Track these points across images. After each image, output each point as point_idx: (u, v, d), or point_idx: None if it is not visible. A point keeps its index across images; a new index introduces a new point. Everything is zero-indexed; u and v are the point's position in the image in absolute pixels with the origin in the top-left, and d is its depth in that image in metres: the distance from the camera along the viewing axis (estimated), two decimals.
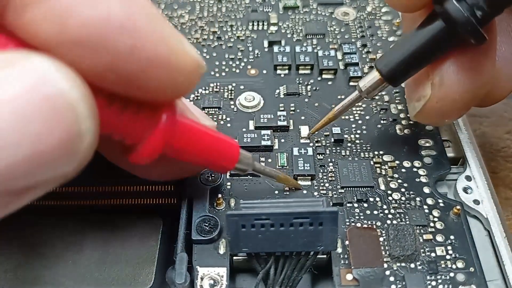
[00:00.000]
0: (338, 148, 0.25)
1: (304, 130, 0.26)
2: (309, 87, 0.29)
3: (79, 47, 0.14)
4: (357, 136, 0.26)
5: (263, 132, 0.26)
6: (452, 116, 0.23)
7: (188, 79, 0.17)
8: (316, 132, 0.26)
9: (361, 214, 0.23)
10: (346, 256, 0.21)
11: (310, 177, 0.24)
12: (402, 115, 0.27)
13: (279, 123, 0.26)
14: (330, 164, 0.25)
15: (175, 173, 0.22)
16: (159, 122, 0.17)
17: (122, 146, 0.18)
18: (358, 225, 0.22)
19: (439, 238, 0.22)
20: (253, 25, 0.33)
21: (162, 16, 0.16)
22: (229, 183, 0.24)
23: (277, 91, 0.29)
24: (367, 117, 0.27)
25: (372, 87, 0.23)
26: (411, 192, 0.23)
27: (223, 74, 0.30)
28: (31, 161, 0.13)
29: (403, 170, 0.24)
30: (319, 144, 0.26)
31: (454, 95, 0.22)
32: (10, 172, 0.13)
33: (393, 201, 0.23)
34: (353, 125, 0.27)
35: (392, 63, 0.22)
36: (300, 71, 0.30)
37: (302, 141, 0.26)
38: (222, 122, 0.27)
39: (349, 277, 0.20)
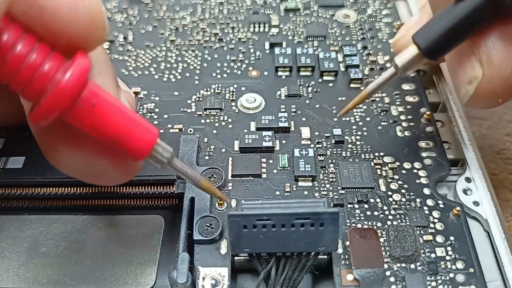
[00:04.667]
0: (339, 149, 0.26)
1: (305, 132, 0.26)
2: (310, 88, 0.29)
3: None
4: (358, 137, 0.26)
5: (264, 133, 0.26)
6: (507, 95, 0.21)
7: (88, 20, 0.17)
8: (344, 113, 0.25)
9: (362, 215, 0.23)
10: (346, 257, 0.21)
11: (311, 178, 0.24)
12: (402, 117, 0.27)
13: (280, 125, 0.26)
14: (331, 165, 0.25)
15: (87, 170, 0.20)
16: (64, 76, 0.16)
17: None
18: (359, 226, 0.22)
19: (439, 239, 0.22)
20: (254, 27, 0.33)
21: None
22: (230, 184, 0.24)
23: (278, 92, 0.29)
24: (368, 119, 0.27)
25: (409, 63, 0.21)
26: (411, 193, 0.24)
27: (225, 75, 0.30)
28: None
29: (404, 171, 0.25)
30: (320, 146, 0.26)
31: (505, 73, 0.20)
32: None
33: (394, 202, 0.23)
34: (354, 127, 0.27)
35: (431, 37, 0.20)
36: (301, 73, 0.30)
37: (303, 142, 0.26)
38: (223, 123, 0.27)
39: (350, 277, 0.20)
